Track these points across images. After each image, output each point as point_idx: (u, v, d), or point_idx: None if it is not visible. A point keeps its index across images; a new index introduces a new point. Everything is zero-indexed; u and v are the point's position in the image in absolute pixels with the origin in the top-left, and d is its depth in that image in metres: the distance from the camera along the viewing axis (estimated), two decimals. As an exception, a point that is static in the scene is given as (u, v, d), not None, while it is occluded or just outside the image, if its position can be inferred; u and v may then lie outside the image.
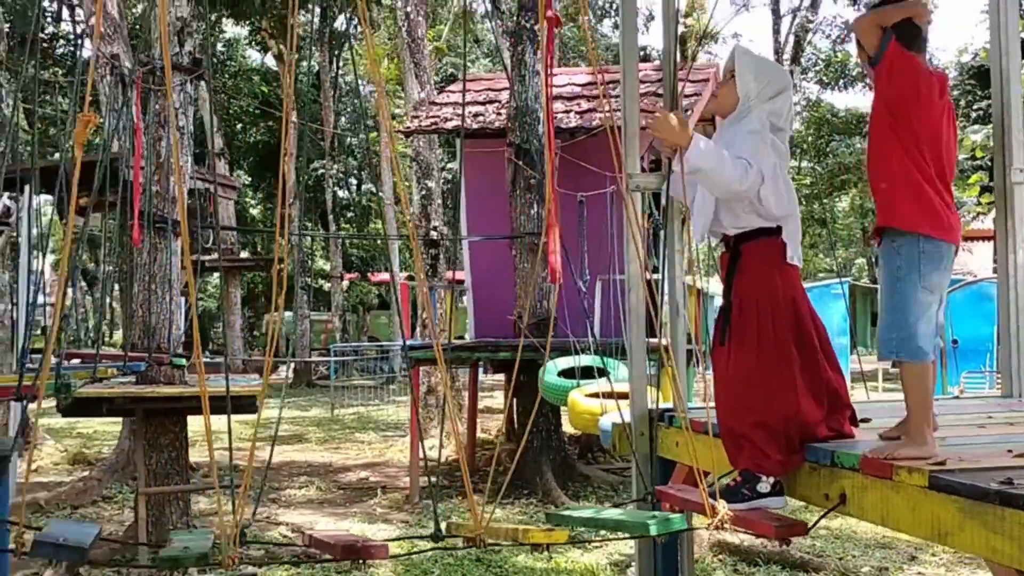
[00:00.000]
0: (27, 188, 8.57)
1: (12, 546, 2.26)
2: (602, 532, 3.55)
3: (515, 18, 9.98)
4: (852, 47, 35.35)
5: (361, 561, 2.46)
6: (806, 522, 2.90)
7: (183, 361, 6.60)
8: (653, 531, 2.75)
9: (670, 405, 3.92)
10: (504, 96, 10.69)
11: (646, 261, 3.76)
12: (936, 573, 6.36)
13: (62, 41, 23.40)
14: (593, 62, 2.83)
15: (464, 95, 6.09)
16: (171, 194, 6.59)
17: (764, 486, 2.95)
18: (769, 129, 3.17)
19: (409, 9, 13.24)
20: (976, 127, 15.70)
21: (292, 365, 24.35)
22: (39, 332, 9.87)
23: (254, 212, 37.55)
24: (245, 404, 6.36)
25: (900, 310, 2.75)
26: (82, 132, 2.39)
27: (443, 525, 2.78)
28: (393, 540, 2.64)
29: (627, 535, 3.12)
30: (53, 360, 4.97)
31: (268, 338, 2.73)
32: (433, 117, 10.83)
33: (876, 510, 2.65)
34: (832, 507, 2.83)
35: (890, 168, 2.81)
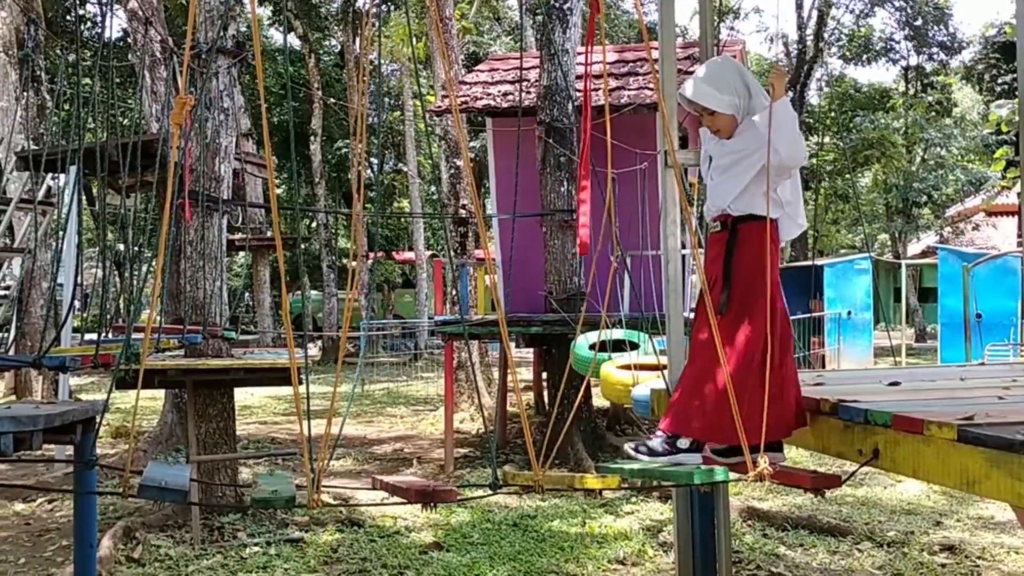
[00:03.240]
0: (72, 169, 8.85)
1: (120, 489, 2.49)
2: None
3: (544, -2, 10.12)
4: (875, 22, 35.23)
5: (432, 505, 2.68)
6: (840, 475, 3.10)
7: (233, 334, 6.86)
8: (697, 480, 2.92)
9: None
10: (533, 75, 10.86)
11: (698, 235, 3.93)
12: (960, 537, 6.55)
13: (89, 23, 23.67)
14: (645, 37, 2.97)
15: (520, 72, 6.24)
16: (217, 173, 6.83)
17: (683, 442, 3.16)
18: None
19: (436, -11, 13.39)
20: (1001, 101, 15.69)
21: (320, 342, 24.68)
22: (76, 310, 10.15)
23: (279, 191, 37.85)
24: (287, 377, 6.64)
25: None
26: (179, 113, 2.60)
27: (499, 475, 3.01)
28: (457, 487, 2.86)
29: (673, 483, 3.32)
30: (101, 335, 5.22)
31: (346, 314, 2.94)
32: (463, 97, 11.00)
33: (907, 463, 2.85)
34: (866, 461, 3.03)
35: None
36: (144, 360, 2.70)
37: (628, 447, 3.18)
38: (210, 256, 6.82)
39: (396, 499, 2.82)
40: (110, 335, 6.21)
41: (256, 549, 6.46)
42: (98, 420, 3.12)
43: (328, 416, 3.07)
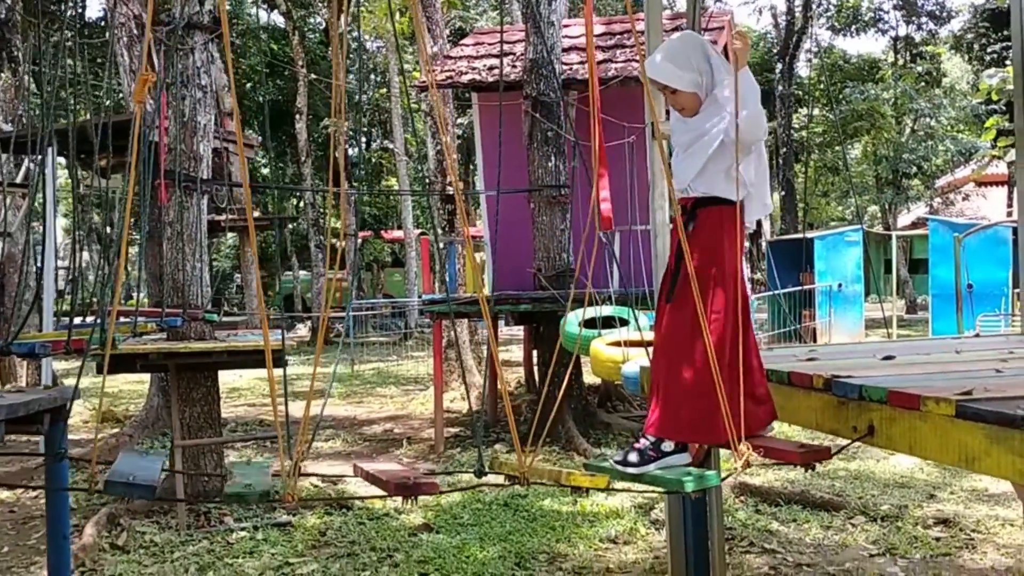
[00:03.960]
0: (49, 150, 8.67)
1: (85, 485, 2.38)
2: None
3: (528, -31, 9.95)
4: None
5: (413, 498, 2.58)
6: (830, 447, 3.00)
7: (215, 316, 6.74)
8: (689, 487, 2.77)
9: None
10: (518, 48, 10.69)
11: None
12: (954, 510, 6.50)
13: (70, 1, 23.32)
14: (629, 8, 2.84)
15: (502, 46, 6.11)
16: (196, 153, 6.68)
17: (668, 445, 3.01)
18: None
19: (419, -37, 13.18)
20: (992, 70, 15.57)
21: (309, 323, 24.56)
22: (57, 295, 10.01)
23: (264, 172, 37.58)
24: (275, 359, 6.52)
25: None
26: (141, 90, 2.47)
27: (486, 463, 2.91)
28: (437, 474, 2.76)
29: (663, 490, 3.20)
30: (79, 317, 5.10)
31: (324, 294, 2.82)
32: (448, 71, 10.84)
33: (904, 440, 2.76)
34: (859, 437, 2.94)
35: None
36: (109, 346, 2.58)
37: (614, 462, 3.02)
38: (190, 237, 6.68)
39: (377, 489, 2.72)
40: (93, 319, 6.09)
41: (243, 534, 6.36)
42: (68, 408, 3.01)
43: (307, 402, 2.97)
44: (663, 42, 3.74)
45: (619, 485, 2.98)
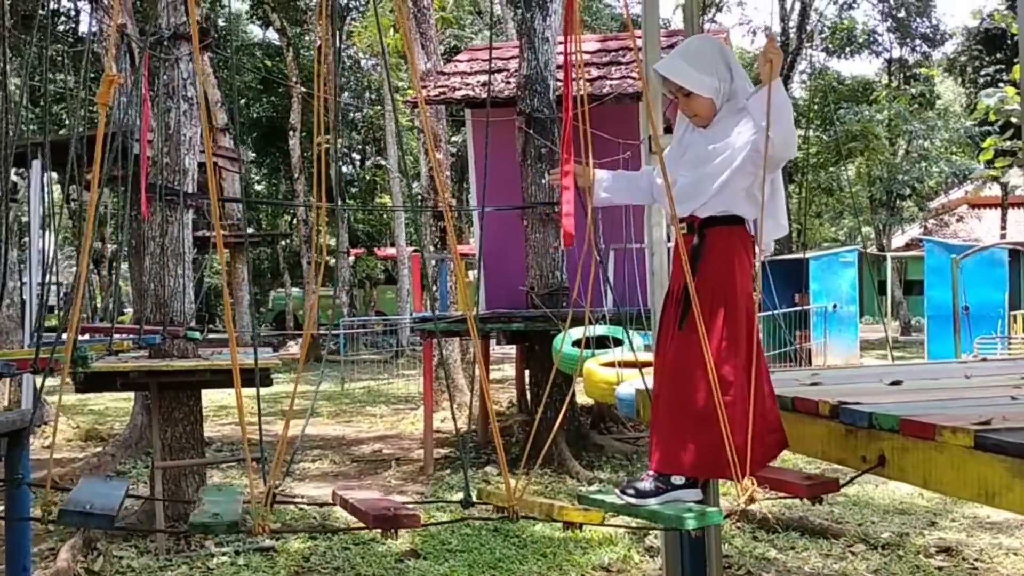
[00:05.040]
0: (35, 164, 8.50)
1: (39, 514, 2.20)
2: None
3: (523, -15, 9.84)
4: (858, 14, 35.07)
5: (393, 532, 2.40)
6: (838, 479, 2.84)
7: (197, 334, 6.56)
8: (689, 525, 2.58)
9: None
10: (512, 65, 10.57)
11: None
12: (957, 538, 6.33)
13: (63, 16, 23.22)
14: (629, 24, 2.70)
15: (490, 61, 5.97)
16: (181, 166, 6.52)
17: (678, 478, 2.82)
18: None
19: (414, -22, 13.07)
20: (990, 90, 15.50)
21: (300, 340, 24.32)
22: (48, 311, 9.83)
23: (259, 188, 37.46)
24: (261, 377, 6.35)
25: None
26: (106, 92, 2.31)
27: (473, 492, 2.73)
28: (422, 503, 2.58)
29: (662, 527, 3.01)
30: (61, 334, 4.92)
31: (308, 312, 2.65)
32: (441, 87, 10.71)
33: (918, 472, 2.60)
34: (869, 468, 2.77)
35: None
36: (67, 367, 2.41)
37: (619, 491, 2.82)
38: (174, 252, 6.50)
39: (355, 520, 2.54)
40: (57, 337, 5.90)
41: (224, 559, 6.16)
42: (28, 432, 2.82)
43: (285, 425, 2.78)
44: (663, 55, 3.58)
45: (617, 520, 2.80)
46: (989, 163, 15.70)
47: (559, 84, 10.13)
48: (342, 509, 2.78)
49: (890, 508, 7.23)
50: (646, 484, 2.80)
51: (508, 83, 10.34)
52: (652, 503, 2.74)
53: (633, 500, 2.76)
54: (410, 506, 2.71)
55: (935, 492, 2.57)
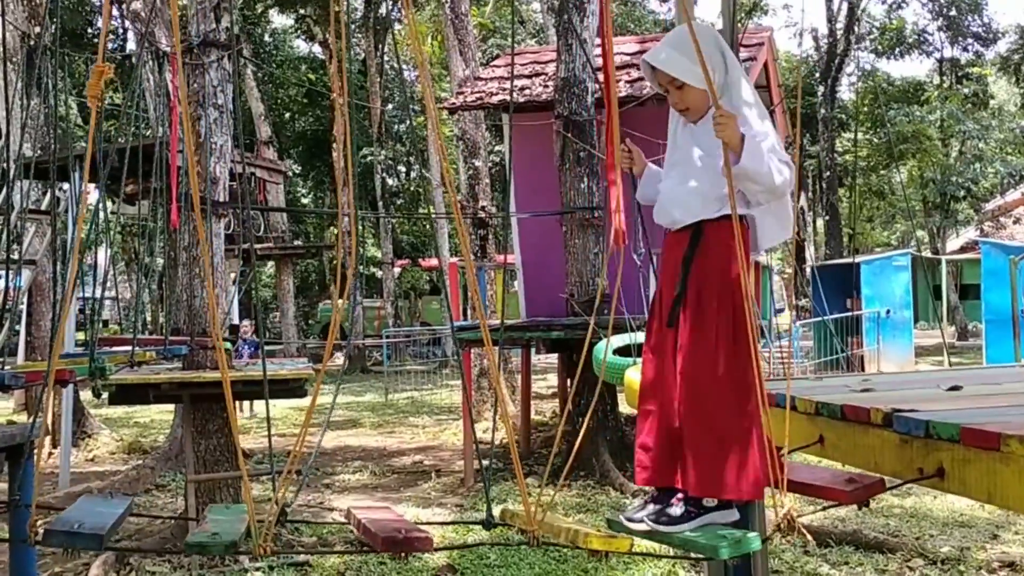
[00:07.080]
0: (74, 175, 8.49)
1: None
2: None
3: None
4: (908, 14, 34.41)
5: (404, 555, 2.23)
6: (883, 479, 2.60)
7: (228, 345, 6.46)
8: (724, 554, 2.36)
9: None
10: (550, 69, 10.40)
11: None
12: (1021, 552, 5.99)
13: (111, 35, 23.56)
14: (687, 20, 2.50)
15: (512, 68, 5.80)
16: (212, 174, 6.43)
17: (710, 500, 2.61)
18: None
19: (452, -15, 12.99)
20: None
21: (345, 351, 24.35)
22: (102, 324, 9.85)
23: (305, 200, 37.73)
24: (294, 388, 6.23)
25: None
26: (96, 84, 2.17)
27: (496, 511, 2.54)
28: (444, 523, 2.40)
29: (696, 556, 2.79)
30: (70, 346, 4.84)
31: (332, 324, 2.48)
32: (478, 92, 10.58)
33: (981, 485, 2.36)
34: (925, 479, 2.53)
35: None
36: (51, 378, 2.26)
37: (647, 519, 2.60)
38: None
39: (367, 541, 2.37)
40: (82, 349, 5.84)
41: (258, 575, 6.04)
42: (28, 448, 2.69)
43: (299, 438, 2.62)
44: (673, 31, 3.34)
45: (645, 547, 2.59)
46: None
47: (598, 88, 9.94)
48: (358, 532, 2.61)
49: (949, 520, 6.90)
50: (676, 509, 2.58)
51: (546, 87, 10.17)
52: (683, 528, 2.52)
53: (663, 528, 2.55)
54: (428, 527, 2.54)
55: (1000, 507, 2.33)
